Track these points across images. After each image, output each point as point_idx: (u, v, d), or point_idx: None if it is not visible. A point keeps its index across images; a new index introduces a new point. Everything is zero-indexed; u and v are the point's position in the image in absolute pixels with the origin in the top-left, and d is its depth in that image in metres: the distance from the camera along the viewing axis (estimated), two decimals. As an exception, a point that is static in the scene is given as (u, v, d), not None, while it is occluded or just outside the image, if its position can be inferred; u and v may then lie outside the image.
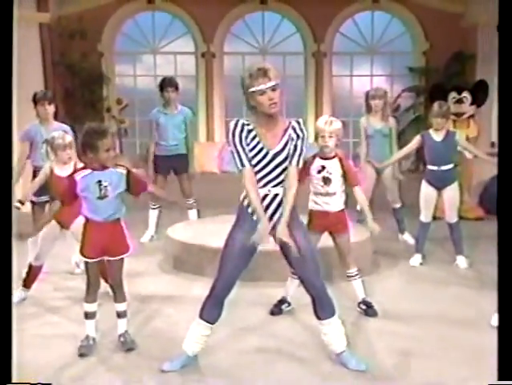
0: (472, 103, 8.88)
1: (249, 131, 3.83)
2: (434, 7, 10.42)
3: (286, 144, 3.86)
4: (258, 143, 3.83)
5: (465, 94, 8.54)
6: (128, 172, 4.30)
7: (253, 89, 3.70)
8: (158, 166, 7.62)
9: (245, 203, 3.91)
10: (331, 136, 4.82)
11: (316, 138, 4.92)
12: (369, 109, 7.31)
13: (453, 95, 8.89)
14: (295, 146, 3.85)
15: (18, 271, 4.58)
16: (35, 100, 6.17)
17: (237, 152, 3.80)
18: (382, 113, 7.27)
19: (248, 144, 3.82)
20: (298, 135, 3.86)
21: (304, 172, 4.86)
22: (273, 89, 3.70)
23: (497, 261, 3.19)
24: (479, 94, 8.91)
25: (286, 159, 3.86)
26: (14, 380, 3.49)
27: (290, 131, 3.87)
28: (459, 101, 8.85)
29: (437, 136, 6.37)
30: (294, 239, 3.91)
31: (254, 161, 3.85)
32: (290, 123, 3.90)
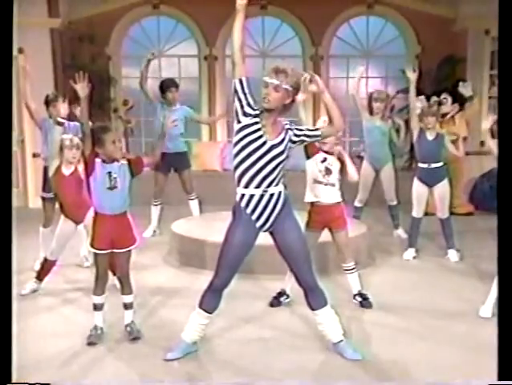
0: (453, 103, 8.99)
1: (255, 116, 3.94)
2: (426, 12, 10.62)
3: (283, 140, 3.97)
4: (259, 130, 3.92)
5: (444, 95, 8.68)
6: (128, 160, 4.51)
7: (263, 78, 3.89)
8: (158, 164, 7.88)
9: (243, 204, 4.02)
10: None
11: None
12: (371, 111, 7.48)
13: (433, 98, 9.02)
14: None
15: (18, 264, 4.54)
16: (47, 102, 6.33)
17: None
18: (382, 114, 7.47)
19: (248, 127, 3.93)
20: (297, 135, 4.03)
21: (316, 149, 5.11)
22: (275, 89, 3.85)
23: (488, 255, 3.34)
24: (458, 93, 8.99)
25: (282, 153, 3.95)
26: (23, 367, 3.70)
27: (289, 132, 4.01)
28: (439, 103, 8.96)
29: (430, 135, 6.65)
30: (288, 233, 4.09)
31: (251, 148, 3.92)
32: (285, 124, 4.04)
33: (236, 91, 3.93)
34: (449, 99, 8.56)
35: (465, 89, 7.63)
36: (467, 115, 8.92)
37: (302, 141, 4.11)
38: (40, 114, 6.46)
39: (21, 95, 6.42)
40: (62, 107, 6.27)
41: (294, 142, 4.05)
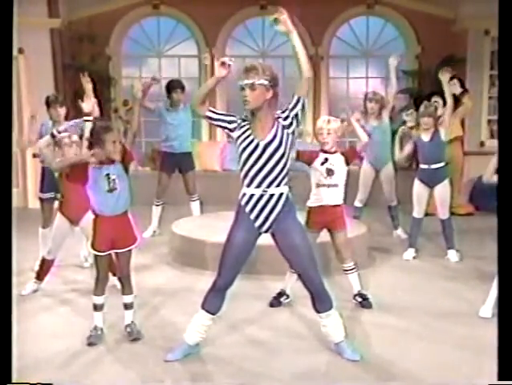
0: (445, 105, 8.97)
1: (243, 125, 3.97)
2: (426, 12, 10.65)
3: (275, 135, 3.91)
4: (250, 135, 3.93)
5: (435, 98, 8.72)
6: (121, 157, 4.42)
7: (238, 83, 3.89)
8: (163, 164, 7.85)
9: (243, 202, 4.02)
10: (329, 133, 5.02)
11: (317, 136, 5.12)
12: (365, 111, 7.52)
13: (424, 103, 9.07)
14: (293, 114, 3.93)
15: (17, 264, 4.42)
16: (48, 103, 6.33)
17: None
18: (377, 115, 7.49)
19: (240, 136, 3.96)
20: (286, 117, 3.93)
21: (310, 155, 5.12)
22: (251, 88, 3.84)
23: (488, 256, 3.33)
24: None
25: (277, 149, 3.91)
26: (23, 368, 3.71)
27: (280, 120, 3.94)
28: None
29: (425, 136, 6.67)
30: (290, 235, 4.04)
31: (247, 153, 3.93)
32: (277, 114, 3.96)
33: (211, 123, 4.13)
34: (440, 102, 8.55)
35: (454, 87, 7.59)
36: (460, 114, 8.90)
37: (296, 116, 3.94)
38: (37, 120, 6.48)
39: (21, 141, 6.40)
40: (59, 111, 6.29)
41: (288, 126, 3.95)
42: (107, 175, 4.35)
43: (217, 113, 4.07)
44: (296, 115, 3.95)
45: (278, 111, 3.98)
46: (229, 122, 4.02)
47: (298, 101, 3.94)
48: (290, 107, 3.94)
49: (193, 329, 4.24)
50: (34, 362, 4.12)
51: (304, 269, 4.11)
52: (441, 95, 8.61)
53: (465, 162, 9.71)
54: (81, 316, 4.98)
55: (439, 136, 6.69)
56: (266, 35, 11.20)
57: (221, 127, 4.05)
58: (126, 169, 4.47)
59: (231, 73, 3.98)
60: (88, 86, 5.34)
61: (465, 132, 9.94)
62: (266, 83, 3.86)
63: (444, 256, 6.84)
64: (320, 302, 4.18)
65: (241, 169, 4.02)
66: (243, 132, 3.97)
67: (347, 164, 5.19)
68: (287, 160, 3.99)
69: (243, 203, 4.03)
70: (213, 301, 4.15)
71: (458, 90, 7.68)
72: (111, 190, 4.35)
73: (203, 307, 4.17)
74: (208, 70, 7.63)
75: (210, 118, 4.04)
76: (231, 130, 4.01)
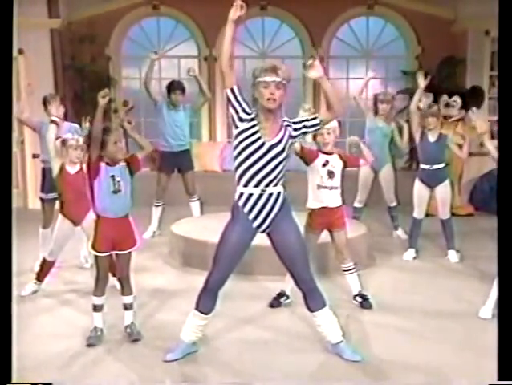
0: (462, 107, 9.04)
1: (251, 120, 3.91)
2: (426, 13, 10.66)
3: (282, 139, 3.94)
4: (256, 132, 3.89)
5: (455, 98, 8.65)
6: (125, 159, 4.45)
7: (259, 79, 3.85)
8: (162, 164, 7.86)
9: (240, 203, 4.00)
10: (329, 133, 5.03)
11: (315, 137, 5.09)
12: (376, 112, 7.52)
13: (444, 98, 9.11)
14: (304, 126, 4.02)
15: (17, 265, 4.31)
16: (45, 103, 6.27)
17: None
18: (387, 115, 7.50)
19: (246, 131, 3.89)
20: (298, 128, 4.00)
21: (311, 153, 5.10)
22: (277, 86, 3.83)
23: (488, 256, 3.33)
24: (470, 99, 9.07)
25: (281, 152, 3.93)
26: (23, 368, 3.69)
27: (288, 128, 3.97)
28: (448, 105, 9.12)
29: (432, 137, 6.65)
30: (286, 234, 4.06)
31: (250, 150, 3.90)
32: (284, 121, 4.00)
33: (229, 100, 3.94)
34: (459, 103, 8.48)
35: (474, 115, 7.53)
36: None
37: (304, 133, 4.07)
38: (34, 118, 6.50)
39: (19, 110, 6.37)
40: (55, 106, 6.15)
41: (294, 136, 4.04)
42: (113, 176, 4.37)
43: (239, 94, 3.91)
44: (305, 133, 4.07)
45: (290, 119, 4.03)
46: (243, 110, 3.90)
47: (317, 124, 4.04)
48: (306, 124, 4.03)
49: (188, 329, 4.26)
50: (34, 363, 4.12)
51: (297, 268, 4.13)
52: (460, 94, 8.56)
53: (464, 162, 9.72)
54: (81, 317, 4.97)
55: (445, 139, 6.69)
56: (266, 36, 11.23)
57: (234, 109, 3.91)
58: (131, 174, 4.48)
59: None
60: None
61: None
62: (287, 83, 3.91)
63: (444, 256, 6.84)
64: (312, 300, 4.19)
65: (238, 168, 3.99)
66: (249, 128, 3.90)
67: (345, 166, 5.21)
68: (286, 162, 4.02)
69: (241, 203, 4.01)
70: (205, 301, 4.15)
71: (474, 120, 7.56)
72: (115, 192, 4.37)
73: (196, 308, 4.18)
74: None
75: (233, 93, 3.90)
76: (240, 119, 3.90)
